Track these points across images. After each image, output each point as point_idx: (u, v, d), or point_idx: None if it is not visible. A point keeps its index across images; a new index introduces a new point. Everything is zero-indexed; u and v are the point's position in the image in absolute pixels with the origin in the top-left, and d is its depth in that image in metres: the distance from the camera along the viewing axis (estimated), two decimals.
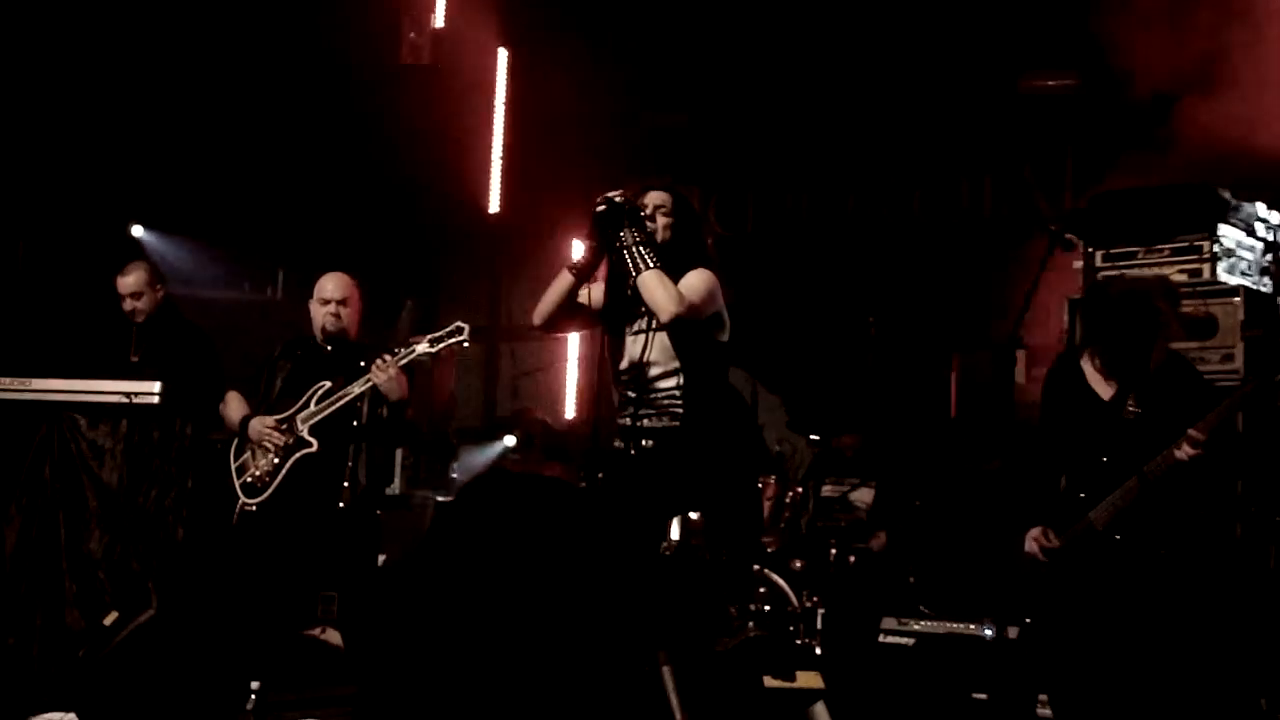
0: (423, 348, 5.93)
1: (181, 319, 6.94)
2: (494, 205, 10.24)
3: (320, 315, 6.20)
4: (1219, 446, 4.68)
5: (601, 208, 4.83)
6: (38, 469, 6.26)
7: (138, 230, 9.81)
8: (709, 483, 4.73)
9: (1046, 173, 8.15)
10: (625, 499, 4.81)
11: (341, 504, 6.02)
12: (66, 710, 5.26)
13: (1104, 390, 4.96)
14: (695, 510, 5.68)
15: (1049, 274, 5.11)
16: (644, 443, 4.93)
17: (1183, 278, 6.08)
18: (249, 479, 5.99)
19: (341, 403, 5.96)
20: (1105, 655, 4.83)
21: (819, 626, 6.83)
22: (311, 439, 5.96)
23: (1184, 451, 4.63)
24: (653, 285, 4.79)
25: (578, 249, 5.06)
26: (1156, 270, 6.13)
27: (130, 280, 6.83)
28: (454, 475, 8.91)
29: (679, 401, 4.92)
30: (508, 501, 1.73)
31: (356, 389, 5.95)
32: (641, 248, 4.81)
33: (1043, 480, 5.12)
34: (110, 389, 6.29)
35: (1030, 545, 4.99)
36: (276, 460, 5.96)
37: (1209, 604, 4.97)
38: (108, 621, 5.56)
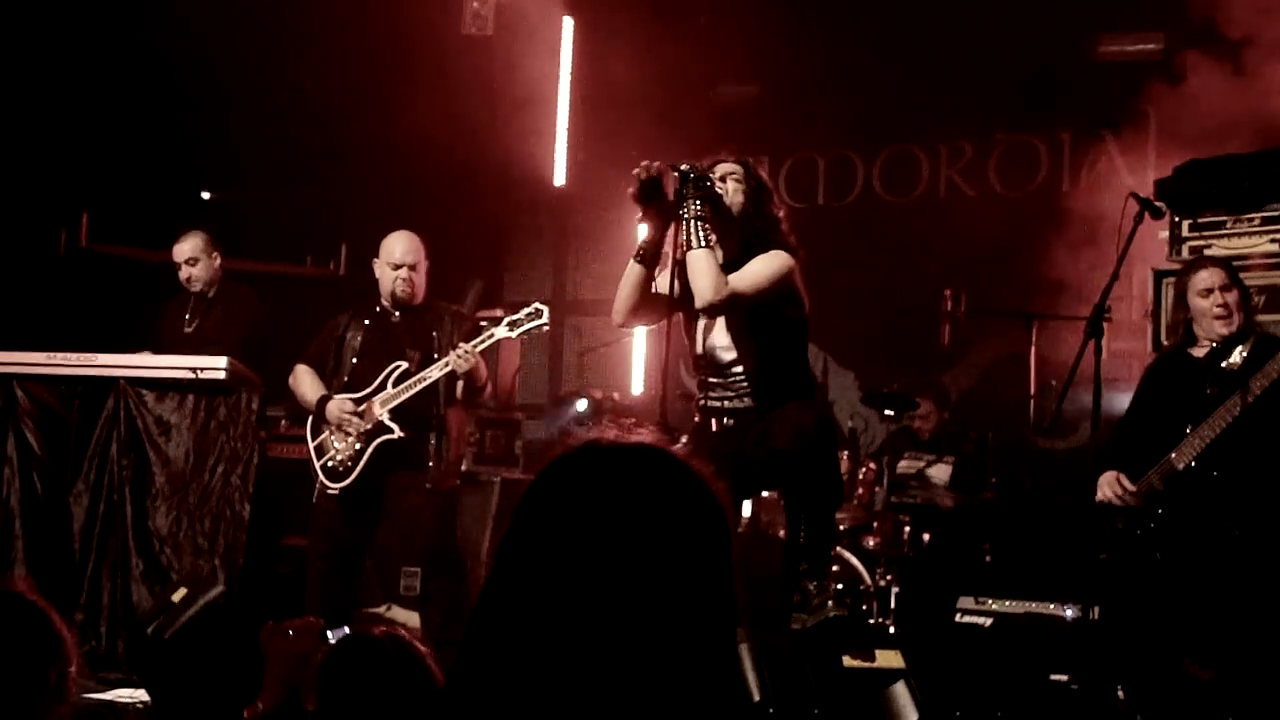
0: (501, 331, 5.81)
1: (236, 286, 6.94)
2: (559, 178, 10.10)
3: (390, 280, 6.09)
4: None
5: (644, 177, 4.66)
6: (104, 444, 6.22)
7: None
8: (789, 461, 4.60)
9: (1128, 139, 7.94)
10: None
11: (429, 485, 5.95)
12: (136, 687, 5.26)
13: (1200, 352, 5.03)
14: (773, 488, 5.58)
15: (1133, 244, 5.00)
16: (725, 421, 4.84)
17: (1274, 247, 5.92)
18: (330, 463, 5.93)
19: (420, 387, 5.87)
20: (1180, 638, 4.74)
21: (893, 606, 6.73)
22: (393, 425, 5.88)
23: None
24: (697, 266, 4.62)
25: (641, 233, 4.88)
26: (1246, 240, 5.98)
27: (185, 247, 6.80)
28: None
29: (752, 383, 4.81)
30: (609, 479, 1.60)
31: (435, 373, 5.85)
32: (699, 223, 4.63)
33: (1126, 455, 5.04)
34: (176, 364, 6.24)
35: (1104, 491, 4.91)
36: (358, 445, 5.88)
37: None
38: (176, 598, 5.53)
